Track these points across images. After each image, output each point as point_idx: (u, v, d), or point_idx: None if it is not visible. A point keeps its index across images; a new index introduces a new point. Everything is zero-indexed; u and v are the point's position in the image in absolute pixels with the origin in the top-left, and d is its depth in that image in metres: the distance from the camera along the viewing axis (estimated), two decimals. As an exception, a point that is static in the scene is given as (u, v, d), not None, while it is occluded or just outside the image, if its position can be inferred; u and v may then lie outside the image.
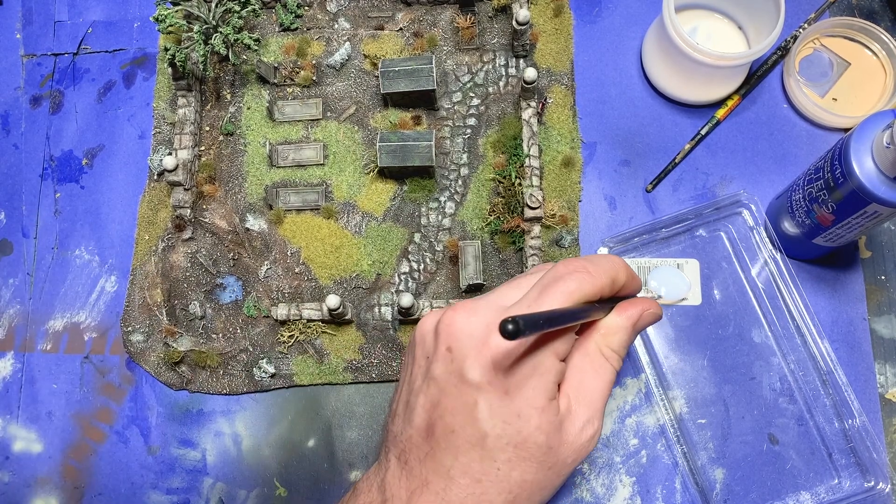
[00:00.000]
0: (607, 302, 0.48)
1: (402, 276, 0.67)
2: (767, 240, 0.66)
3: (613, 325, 0.49)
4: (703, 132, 0.70)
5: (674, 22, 0.63)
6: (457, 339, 0.44)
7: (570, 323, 0.44)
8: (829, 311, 0.66)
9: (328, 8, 0.74)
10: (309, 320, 0.65)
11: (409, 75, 0.67)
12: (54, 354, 0.69)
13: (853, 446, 0.62)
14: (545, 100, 0.71)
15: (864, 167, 0.52)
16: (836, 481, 0.62)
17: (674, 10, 0.63)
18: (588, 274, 0.45)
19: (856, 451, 0.62)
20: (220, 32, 0.65)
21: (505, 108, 0.71)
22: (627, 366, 0.65)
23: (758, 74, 0.71)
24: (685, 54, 0.64)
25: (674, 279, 0.66)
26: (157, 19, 0.64)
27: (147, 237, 0.69)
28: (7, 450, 0.68)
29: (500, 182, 0.68)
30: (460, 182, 0.69)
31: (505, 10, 0.73)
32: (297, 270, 0.68)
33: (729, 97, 0.70)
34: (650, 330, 0.65)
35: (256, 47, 0.66)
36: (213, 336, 0.67)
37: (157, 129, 0.73)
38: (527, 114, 0.68)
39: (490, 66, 0.72)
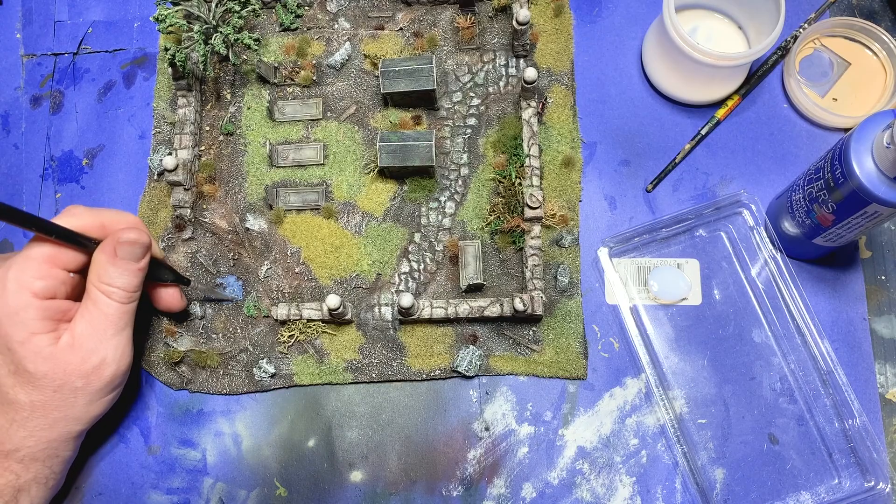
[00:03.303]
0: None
1: (402, 276, 0.67)
2: (767, 240, 0.66)
3: (97, 260, 0.56)
4: (703, 132, 0.70)
5: (674, 22, 0.63)
6: None
7: (33, 226, 0.52)
8: (829, 311, 0.66)
9: (328, 8, 0.74)
10: (309, 320, 0.65)
11: (410, 75, 0.67)
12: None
13: (853, 446, 0.62)
14: (545, 100, 0.71)
15: (864, 167, 0.52)
16: (837, 481, 0.62)
17: (674, 10, 0.63)
18: (78, 211, 0.57)
19: (856, 451, 0.62)
20: (221, 32, 0.65)
21: (505, 108, 0.71)
22: (627, 366, 0.65)
23: (758, 74, 0.71)
24: (685, 54, 0.64)
25: (674, 279, 0.66)
26: (157, 19, 0.64)
27: (147, 237, 0.69)
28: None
29: (500, 182, 0.68)
30: (460, 182, 0.69)
31: (505, 10, 0.72)
32: (297, 270, 0.68)
33: (729, 97, 0.70)
34: (650, 330, 0.65)
35: (256, 47, 0.66)
36: (213, 336, 0.67)
37: (158, 129, 0.73)
38: (527, 114, 0.68)
39: (490, 66, 0.72)
